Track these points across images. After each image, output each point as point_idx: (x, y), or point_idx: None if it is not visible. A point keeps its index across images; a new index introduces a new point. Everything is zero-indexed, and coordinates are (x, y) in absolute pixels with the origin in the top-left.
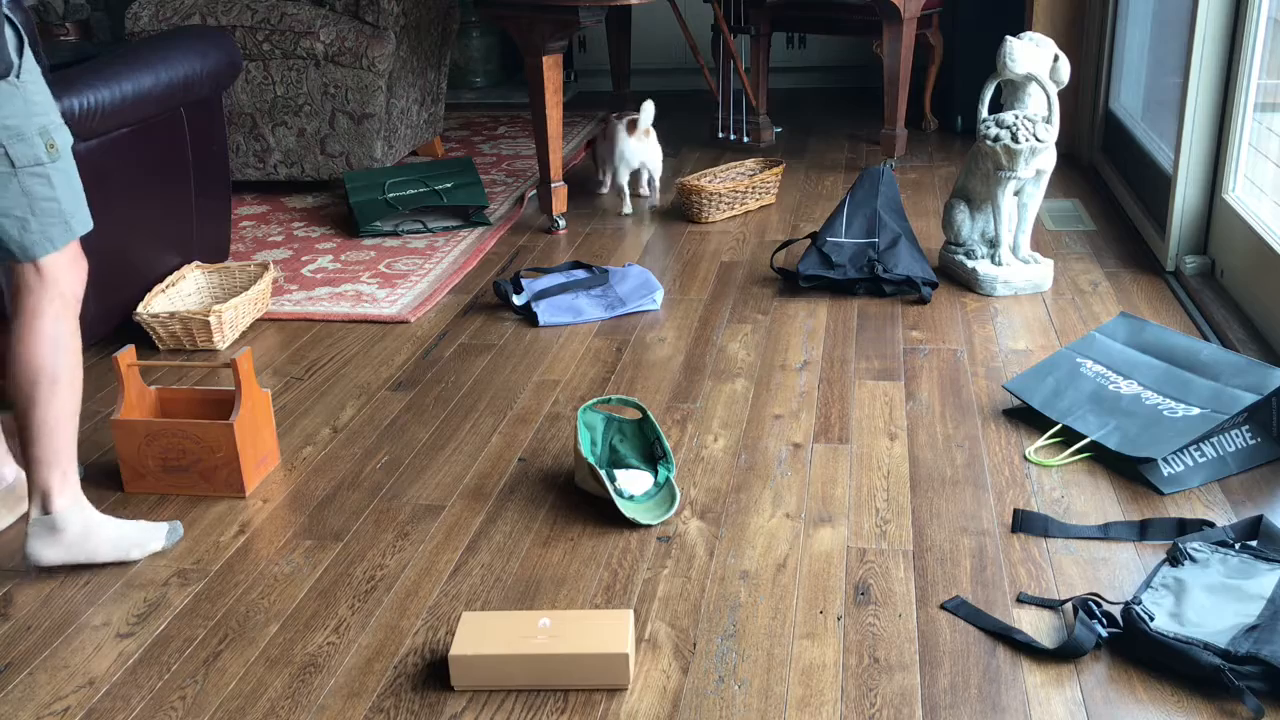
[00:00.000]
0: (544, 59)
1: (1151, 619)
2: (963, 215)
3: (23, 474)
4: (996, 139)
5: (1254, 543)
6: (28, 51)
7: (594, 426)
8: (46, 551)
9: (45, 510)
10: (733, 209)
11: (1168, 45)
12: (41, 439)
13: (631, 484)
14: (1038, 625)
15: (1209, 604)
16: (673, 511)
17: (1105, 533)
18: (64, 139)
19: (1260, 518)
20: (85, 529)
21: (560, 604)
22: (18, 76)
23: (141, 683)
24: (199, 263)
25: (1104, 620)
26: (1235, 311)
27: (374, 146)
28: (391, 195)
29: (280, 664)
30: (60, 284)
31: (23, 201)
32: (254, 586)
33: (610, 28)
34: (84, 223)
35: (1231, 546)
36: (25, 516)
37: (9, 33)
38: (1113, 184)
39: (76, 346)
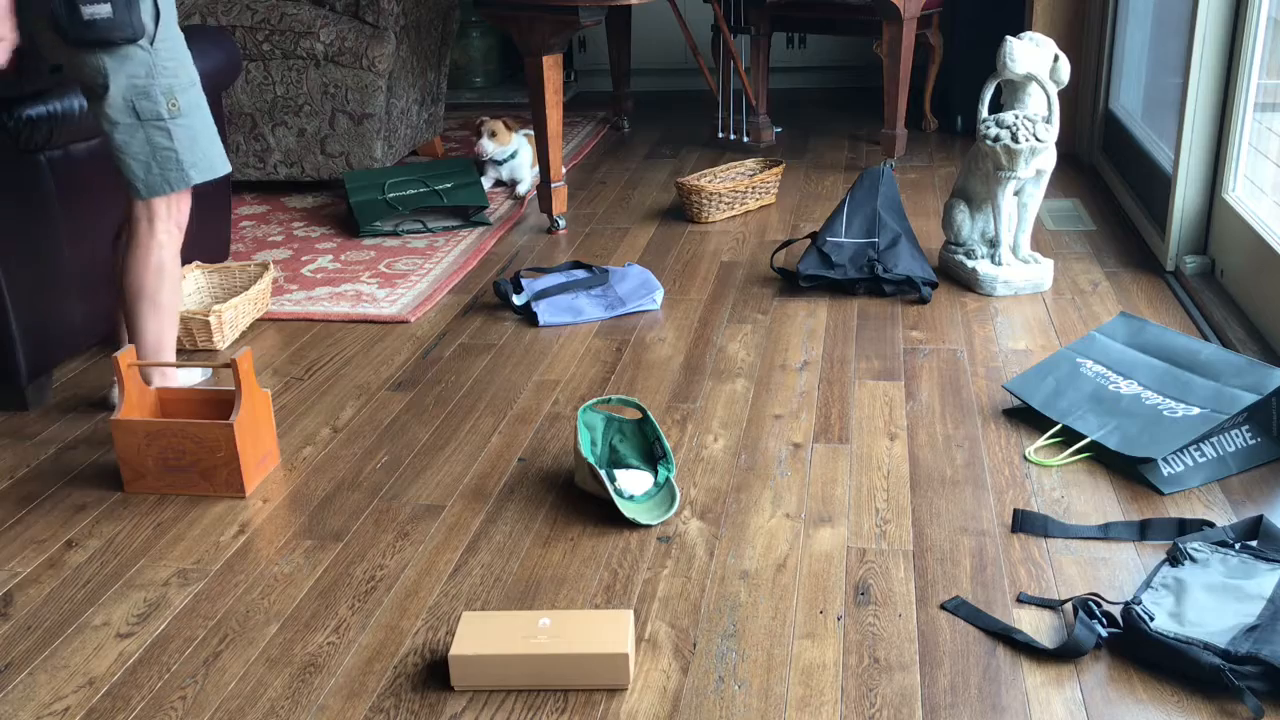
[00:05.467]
0: (544, 59)
1: (1151, 619)
2: (963, 215)
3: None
4: (996, 139)
5: (1254, 543)
6: (164, 21)
7: (594, 426)
8: None
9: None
10: (733, 209)
11: (1168, 45)
12: (142, 350)
13: (631, 484)
14: (1038, 625)
15: (1209, 604)
16: (673, 511)
17: (1105, 533)
18: (189, 100)
19: (1260, 518)
20: (197, 374)
21: (560, 604)
22: (151, 43)
23: (141, 683)
24: (199, 263)
25: (1104, 620)
26: (1235, 311)
27: (374, 146)
28: (391, 195)
29: (280, 664)
30: (167, 219)
31: (146, 149)
32: (254, 586)
33: (610, 28)
34: (206, 171)
35: (1231, 546)
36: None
37: (148, 4)
38: (1113, 184)
39: (177, 272)
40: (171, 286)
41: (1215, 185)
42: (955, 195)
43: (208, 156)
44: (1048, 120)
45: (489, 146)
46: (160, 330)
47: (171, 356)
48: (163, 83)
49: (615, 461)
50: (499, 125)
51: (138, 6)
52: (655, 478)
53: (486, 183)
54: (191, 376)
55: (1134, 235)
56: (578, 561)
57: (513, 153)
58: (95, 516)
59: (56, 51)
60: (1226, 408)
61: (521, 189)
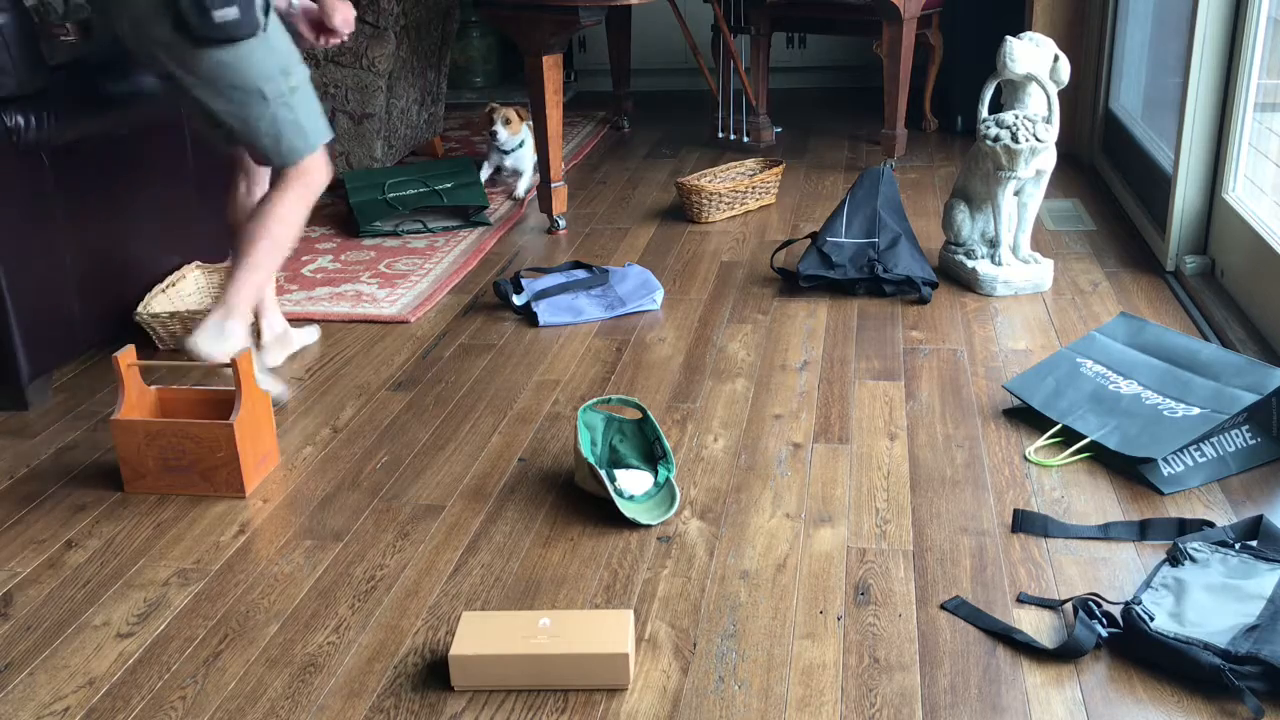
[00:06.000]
0: (544, 59)
1: (1151, 619)
2: (963, 215)
3: (289, 326)
4: (996, 139)
5: (1254, 543)
6: (271, 9)
7: (594, 426)
8: (208, 347)
9: (226, 317)
10: (733, 209)
11: (1168, 45)
12: (247, 281)
13: (631, 484)
14: (1038, 625)
15: (1209, 604)
16: (673, 511)
17: (1105, 533)
18: (300, 73)
19: (1260, 518)
20: (246, 339)
21: (560, 604)
22: (264, 30)
23: (141, 683)
24: (199, 263)
25: (1104, 620)
26: (1235, 311)
27: (374, 146)
28: (391, 195)
29: (280, 664)
30: (309, 177)
31: (275, 125)
32: (254, 586)
33: (610, 28)
34: (321, 136)
35: (1231, 546)
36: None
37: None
38: (1113, 184)
39: (300, 225)
40: (291, 234)
41: (1215, 185)
42: (955, 195)
43: (320, 122)
44: (1048, 120)
45: (503, 135)
46: (267, 272)
47: (264, 295)
48: (279, 64)
49: (615, 461)
50: (512, 113)
51: (255, 4)
52: (655, 478)
53: (486, 170)
54: (308, 336)
55: (1134, 235)
56: (578, 561)
57: (520, 142)
58: (95, 516)
59: (159, 45)
60: (1226, 408)
61: (521, 187)
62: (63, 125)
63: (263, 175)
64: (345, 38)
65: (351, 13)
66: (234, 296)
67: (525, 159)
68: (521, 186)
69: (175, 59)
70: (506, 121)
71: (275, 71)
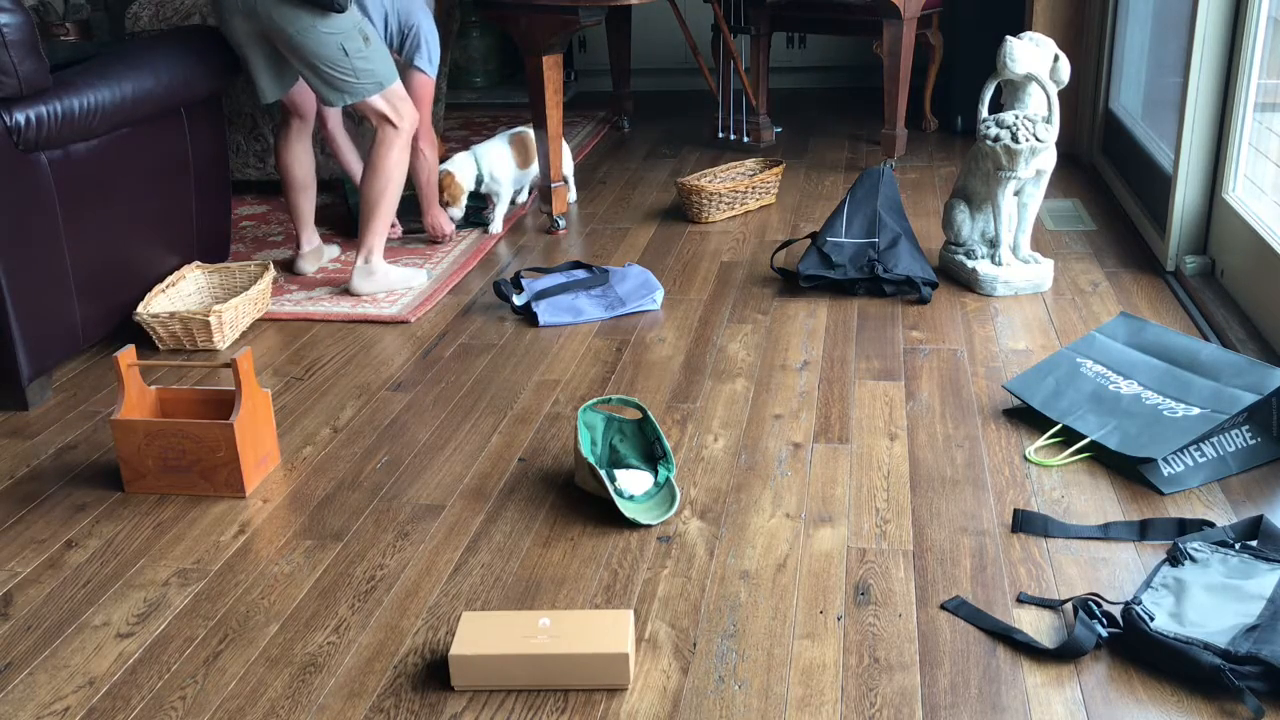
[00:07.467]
0: (544, 59)
1: (1151, 619)
2: (963, 215)
3: (322, 242)
4: (996, 139)
5: (1254, 543)
6: None
7: (594, 426)
8: (364, 284)
9: (366, 261)
10: (733, 209)
11: (1168, 45)
12: (371, 226)
13: (631, 484)
14: (1038, 625)
15: (1209, 604)
16: (673, 511)
17: (1105, 533)
18: (371, 30)
19: (1260, 518)
20: (385, 272)
21: (560, 604)
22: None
23: (141, 683)
24: (199, 263)
25: (1104, 620)
26: (1235, 311)
27: None
28: None
29: (280, 664)
30: (392, 124)
31: (353, 74)
32: (254, 586)
33: (610, 28)
34: (390, 78)
35: (1231, 546)
36: (338, 261)
37: None
38: (1113, 184)
39: (399, 166)
40: (402, 170)
41: (1215, 185)
42: (955, 195)
43: (389, 69)
44: (1048, 120)
45: (456, 213)
46: (389, 208)
47: (388, 227)
48: (355, 24)
49: (615, 461)
50: (444, 191)
51: None
52: (655, 478)
53: (501, 209)
54: (334, 251)
55: (1134, 235)
56: (578, 561)
57: (476, 178)
58: (95, 516)
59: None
60: (1226, 408)
61: (497, 214)
62: (63, 125)
63: (312, 117)
64: (444, 238)
65: (449, 224)
66: (366, 239)
67: (497, 182)
68: (497, 214)
69: (271, 18)
70: (446, 204)
71: (353, 31)
